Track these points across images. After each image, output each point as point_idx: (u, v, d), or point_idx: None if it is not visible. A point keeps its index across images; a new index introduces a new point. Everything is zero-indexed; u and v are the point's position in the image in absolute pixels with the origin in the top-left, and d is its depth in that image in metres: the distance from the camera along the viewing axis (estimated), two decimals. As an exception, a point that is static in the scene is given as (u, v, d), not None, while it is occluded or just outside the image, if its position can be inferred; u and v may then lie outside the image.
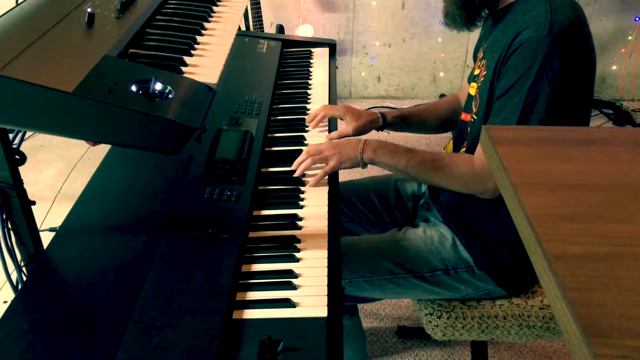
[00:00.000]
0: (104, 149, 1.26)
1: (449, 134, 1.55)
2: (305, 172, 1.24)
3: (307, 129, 1.43)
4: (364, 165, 1.24)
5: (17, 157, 0.95)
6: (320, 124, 1.42)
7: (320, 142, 1.37)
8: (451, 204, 1.32)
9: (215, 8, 1.25)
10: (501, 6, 1.21)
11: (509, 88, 1.10)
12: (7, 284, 1.00)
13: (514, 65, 1.09)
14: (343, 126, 1.41)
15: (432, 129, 1.54)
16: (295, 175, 1.22)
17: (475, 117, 1.24)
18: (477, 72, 1.27)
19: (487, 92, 1.18)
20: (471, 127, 1.27)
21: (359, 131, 1.39)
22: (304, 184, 1.22)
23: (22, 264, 1.02)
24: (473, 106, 1.26)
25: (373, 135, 1.41)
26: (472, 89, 1.28)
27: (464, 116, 1.32)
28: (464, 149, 1.30)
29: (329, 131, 1.41)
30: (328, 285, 0.96)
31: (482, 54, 1.27)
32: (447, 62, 3.31)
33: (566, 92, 1.07)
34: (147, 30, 1.07)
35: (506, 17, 1.18)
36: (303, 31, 3.11)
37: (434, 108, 1.53)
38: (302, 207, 1.16)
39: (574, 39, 1.07)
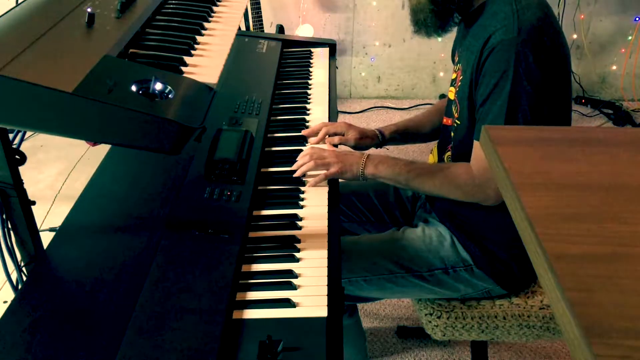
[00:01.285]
0: (104, 149, 1.26)
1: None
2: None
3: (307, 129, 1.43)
4: (365, 179, 1.24)
5: (17, 157, 0.95)
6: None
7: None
8: (449, 204, 1.32)
9: (215, 8, 1.25)
10: (474, 7, 1.21)
11: (489, 93, 1.11)
12: (7, 284, 1.00)
13: (490, 70, 1.10)
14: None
15: (428, 138, 1.55)
16: (295, 175, 1.22)
17: (459, 122, 1.24)
18: (454, 76, 1.28)
19: (467, 98, 1.18)
20: (455, 132, 1.27)
21: (361, 146, 1.40)
22: (304, 184, 1.22)
23: (22, 264, 1.02)
24: (454, 111, 1.26)
25: (372, 152, 1.42)
26: (451, 93, 1.29)
27: (446, 120, 1.34)
28: (448, 153, 1.31)
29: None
30: (328, 285, 0.96)
31: (457, 58, 1.28)
32: (447, 62, 3.31)
33: (545, 88, 1.09)
34: (147, 30, 1.07)
35: (478, 20, 1.19)
36: (303, 31, 3.11)
37: (428, 117, 1.54)
38: (302, 207, 1.16)
39: (544, 35, 1.09)
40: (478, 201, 1.20)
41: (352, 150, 1.29)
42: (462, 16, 1.24)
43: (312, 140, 1.37)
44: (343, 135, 1.39)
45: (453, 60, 1.38)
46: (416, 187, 1.26)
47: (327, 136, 1.36)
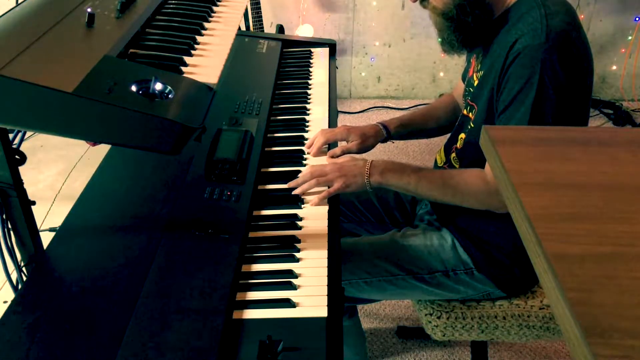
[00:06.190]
0: (104, 149, 1.26)
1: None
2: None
3: (307, 129, 1.43)
4: (371, 188, 1.19)
5: (17, 157, 0.95)
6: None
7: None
8: (451, 206, 1.31)
9: (215, 8, 1.25)
10: (496, 15, 1.16)
11: (512, 99, 1.07)
12: (7, 284, 1.00)
13: (515, 75, 1.06)
14: (344, 143, 1.35)
15: (432, 134, 1.52)
16: (295, 193, 1.17)
17: (472, 126, 1.22)
18: (476, 83, 1.23)
19: (487, 101, 1.15)
20: (467, 134, 1.25)
21: (365, 149, 1.35)
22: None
23: (22, 264, 1.02)
24: (471, 114, 1.24)
25: (377, 147, 1.37)
26: (468, 95, 1.26)
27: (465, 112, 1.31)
28: (454, 154, 1.29)
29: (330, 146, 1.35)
30: (328, 285, 0.96)
31: (478, 64, 1.24)
32: (447, 62, 3.31)
33: (569, 96, 1.06)
34: (147, 30, 1.07)
35: (502, 29, 1.14)
36: (303, 31, 3.11)
37: (432, 111, 1.51)
38: (302, 207, 1.16)
39: (572, 42, 1.06)
40: (492, 209, 1.15)
41: (354, 156, 1.24)
42: (485, 25, 1.16)
43: (312, 151, 1.31)
44: (345, 141, 1.34)
45: (468, 62, 1.35)
46: (427, 195, 1.21)
47: (326, 148, 1.31)
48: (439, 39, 1.22)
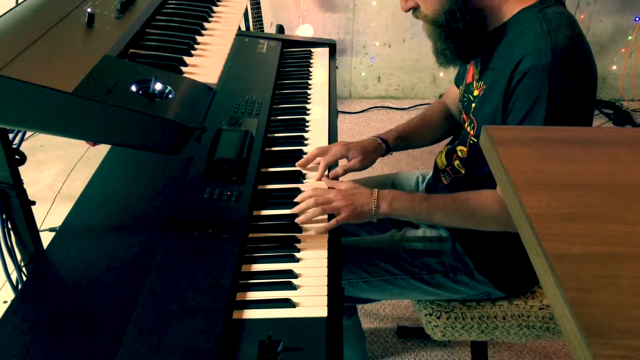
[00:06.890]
0: (104, 149, 1.26)
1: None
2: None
3: (307, 129, 1.43)
4: (377, 219, 1.15)
5: (17, 157, 0.95)
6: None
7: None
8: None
9: (215, 8, 1.25)
10: (491, 28, 1.14)
11: (522, 118, 1.06)
12: (7, 284, 1.00)
13: (522, 96, 1.05)
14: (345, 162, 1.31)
15: (429, 143, 1.49)
16: (299, 221, 1.10)
17: (475, 140, 1.21)
18: (476, 93, 1.21)
19: (490, 119, 1.14)
20: (470, 148, 1.23)
21: (367, 165, 1.32)
22: (303, 183, 1.22)
23: (22, 264, 1.02)
24: (469, 128, 1.23)
25: (377, 160, 1.35)
26: (468, 108, 1.24)
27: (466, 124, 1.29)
28: (457, 162, 1.29)
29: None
30: (328, 286, 0.96)
31: (477, 73, 1.22)
32: (447, 62, 3.30)
33: (577, 105, 1.05)
34: (147, 30, 1.07)
35: (502, 41, 1.13)
36: (303, 31, 3.11)
37: (427, 121, 1.48)
38: (302, 207, 1.16)
39: (576, 55, 1.04)
40: (511, 229, 1.10)
41: (357, 186, 1.18)
42: (477, 36, 1.14)
43: (313, 175, 1.25)
44: (345, 158, 1.30)
45: (465, 67, 1.34)
46: (440, 222, 1.18)
47: (326, 171, 1.26)
48: (433, 50, 1.19)
